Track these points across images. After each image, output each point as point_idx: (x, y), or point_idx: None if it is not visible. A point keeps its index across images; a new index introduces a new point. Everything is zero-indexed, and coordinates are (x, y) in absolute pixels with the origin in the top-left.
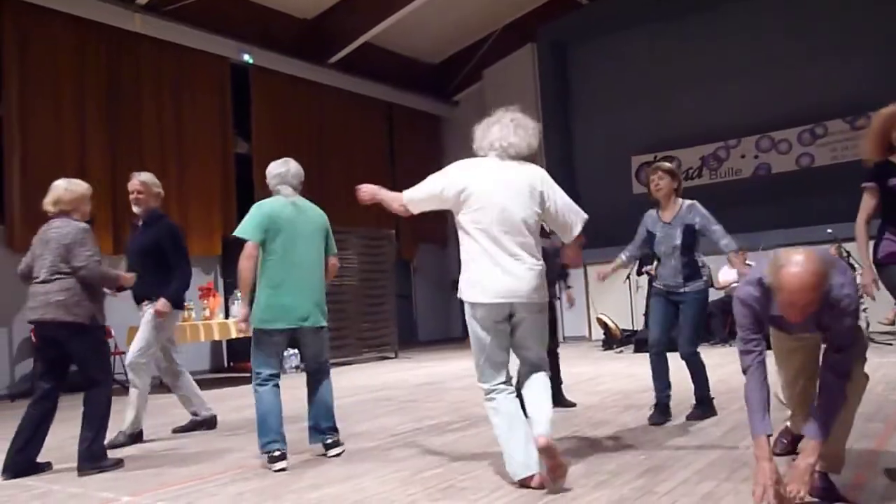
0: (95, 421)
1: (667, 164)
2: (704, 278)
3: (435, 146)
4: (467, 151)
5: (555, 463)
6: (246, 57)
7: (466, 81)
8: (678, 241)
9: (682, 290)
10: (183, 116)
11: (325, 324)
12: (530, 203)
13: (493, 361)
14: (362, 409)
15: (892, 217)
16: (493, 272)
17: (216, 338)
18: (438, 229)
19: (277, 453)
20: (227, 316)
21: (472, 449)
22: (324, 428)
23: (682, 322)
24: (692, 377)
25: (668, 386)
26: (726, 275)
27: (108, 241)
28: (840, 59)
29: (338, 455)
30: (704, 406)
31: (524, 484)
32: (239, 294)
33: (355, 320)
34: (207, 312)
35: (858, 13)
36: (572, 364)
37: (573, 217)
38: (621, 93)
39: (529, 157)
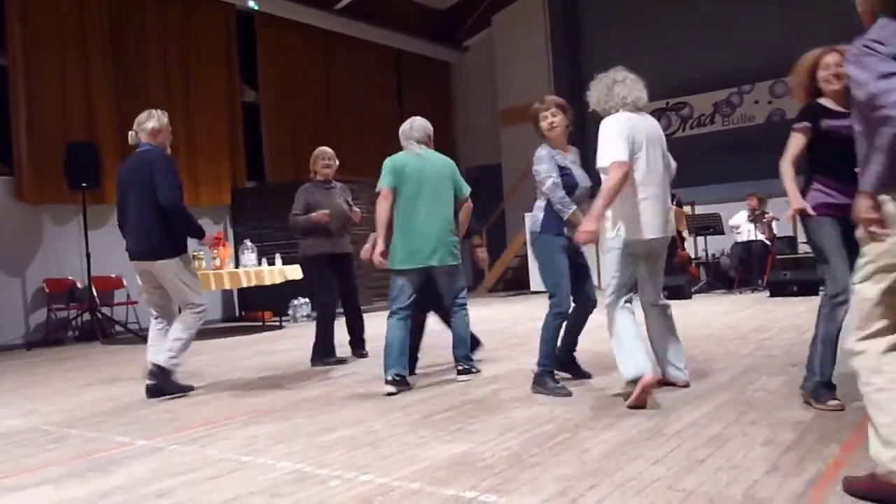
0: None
1: (558, 98)
2: None
3: (444, 93)
4: (477, 97)
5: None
6: (251, 3)
7: (475, 27)
8: (590, 184)
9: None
10: (189, 65)
11: (453, 262)
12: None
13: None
14: (373, 356)
15: (822, 164)
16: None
17: (227, 287)
18: None
19: (390, 378)
20: (237, 265)
21: (481, 394)
22: (456, 356)
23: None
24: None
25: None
26: (736, 219)
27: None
28: None
29: (466, 381)
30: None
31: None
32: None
33: (366, 269)
34: (218, 262)
35: None
36: None
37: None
38: (632, 38)
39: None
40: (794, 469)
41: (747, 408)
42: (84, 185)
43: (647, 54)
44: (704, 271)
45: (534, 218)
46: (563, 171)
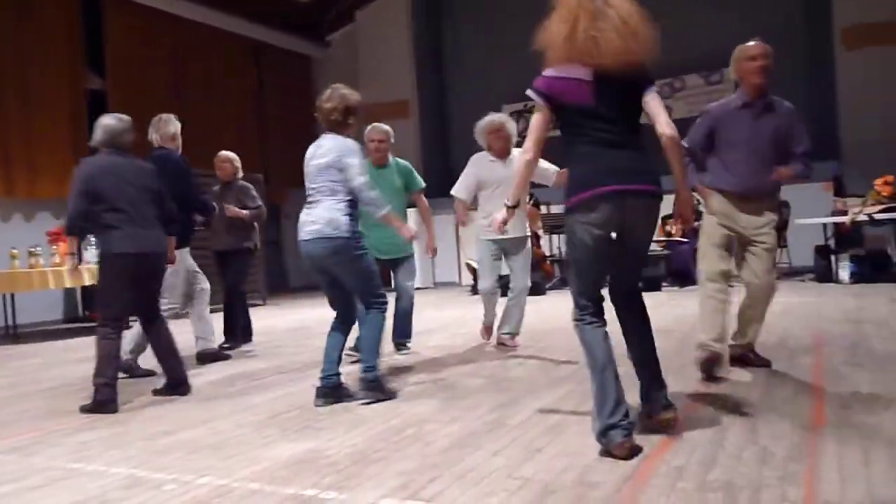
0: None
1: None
2: None
3: (306, 87)
4: None
5: None
6: None
7: (339, 22)
8: None
9: None
10: (25, 48)
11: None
12: None
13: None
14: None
15: None
16: None
17: (68, 285)
18: None
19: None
20: (79, 262)
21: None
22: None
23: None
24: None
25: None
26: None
27: None
28: (699, 15)
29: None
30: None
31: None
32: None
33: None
34: (57, 258)
35: None
36: (441, 308)
37: None
38: (494, 40)
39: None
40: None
41: (586, 398)
42: None
43: (508, 57)
44: (558, 268)
45: (335, 222)
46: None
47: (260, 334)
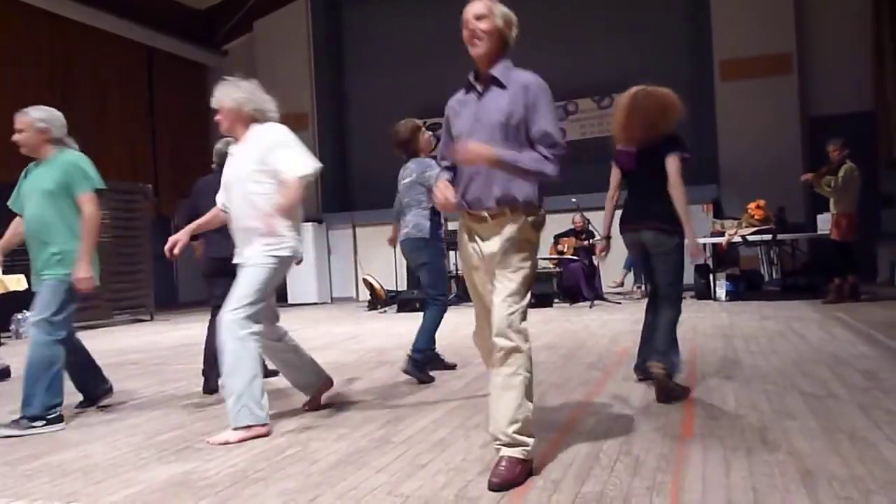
0: None
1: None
2: None
3: (200, 96)
4: None
5: None
6: None
7: (236, 31)
8: None
9: None
10: None
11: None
12: None
13: None
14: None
15: None
16: None
17: None
18: None
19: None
20: None
21: (215, 411)
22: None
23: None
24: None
25: None
26: None
27: None
28: (593, 45)
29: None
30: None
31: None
32: None
33: (105, 281)
34: None
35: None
36: (337, 324)
37: None
38: (394, 56)
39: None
40: None
41: (474, 412)
42: None
43: (407, 73)
44: (455, 285)
45: (419, 226)
46: None
47: (143, 351)
